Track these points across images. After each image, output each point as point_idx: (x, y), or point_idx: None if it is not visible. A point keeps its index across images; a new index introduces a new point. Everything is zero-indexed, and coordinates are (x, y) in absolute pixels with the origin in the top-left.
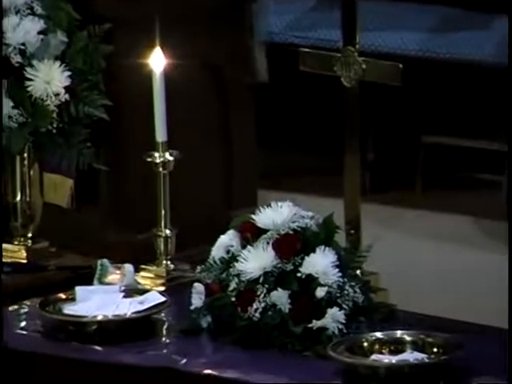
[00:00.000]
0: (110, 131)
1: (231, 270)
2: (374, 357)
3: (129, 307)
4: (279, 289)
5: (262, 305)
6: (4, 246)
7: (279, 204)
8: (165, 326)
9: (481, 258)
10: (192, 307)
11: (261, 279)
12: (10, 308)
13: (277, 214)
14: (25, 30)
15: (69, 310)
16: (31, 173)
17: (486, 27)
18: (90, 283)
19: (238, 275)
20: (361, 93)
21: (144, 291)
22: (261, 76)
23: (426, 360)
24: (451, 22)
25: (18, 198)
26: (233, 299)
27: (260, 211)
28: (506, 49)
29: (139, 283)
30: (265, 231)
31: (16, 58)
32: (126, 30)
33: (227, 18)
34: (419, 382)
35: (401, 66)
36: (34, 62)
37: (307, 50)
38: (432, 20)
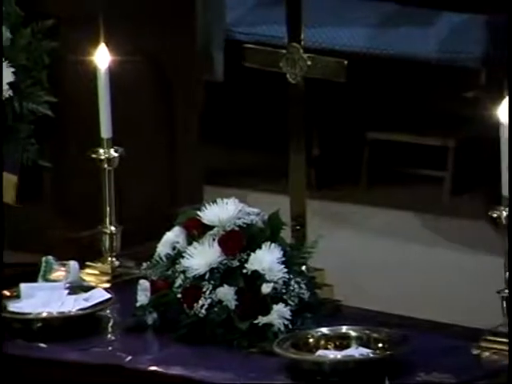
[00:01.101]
0: (55, 128)
1: (177, 266)
2: (319, 352)
3: (74, 304)
4: (225, 285)
5: (208, 301)
6: None
7: (225, 200)
8: (110, 323)
9: (424, 252)
10: (137, 304)
11: (207, 276)
12: None
13: (222, 210)
14: None
15: (13, 307)
16: None
17: (429, 23)
18: (34, 280)
19: (183, 272)
20: (306, 89)
21: (89, 288)
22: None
23: (371, 355)
24: (395, 18)
25: None
26: (178, 296)
27: (206, 208)
28: (449, 45)
29: (84, 280)
30: (210, 228)
31: None
32: (71, 27)
33: (173, 14)
34: (364, 377)
35: (346, 62)
36: None
37: (252, 46)
38: (376, 17)
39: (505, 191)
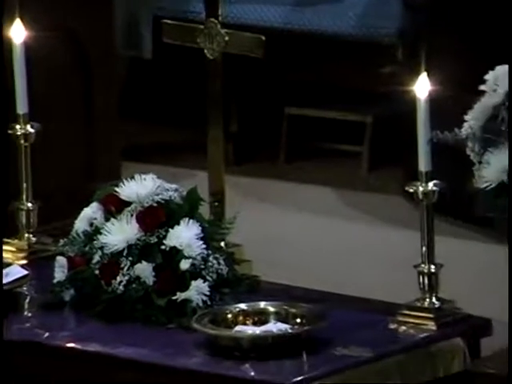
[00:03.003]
0: None
1: (95, 242)
2: (237, 328)
3: None
4: (143, 261)
5: (126, 277)
6: None
7: (143, 176)
8: (27, 300)
9: (343, 227)
10: (55, 281)
11: (124, 252)
12: None
13: (140, 186)
14: None
15: None
16: None
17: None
18: None
19: (101, 248)
20: (224, 65)
21: (6, 265)
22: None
23: (289, 330)
24: None
25: None
26: (96, 272)
27: (124, 184)
28: (366, 20)
29: None
30: (128, 204)
31: None
32: None
33: None
34: (282, 352)
35: (263, 38)
36: None
37: (169, 21)
38: None
39: (421, 166)
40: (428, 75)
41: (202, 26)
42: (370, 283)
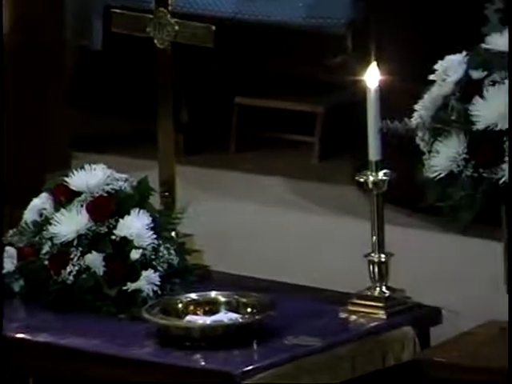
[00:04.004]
0: None
1: (44, 233)
2: (188, 318)
3: None
4: (93, 252)
5: (76, 268)
6: None
7: (93, 166)
8: None
9: (294, 217)
10: (4, 271)
11: (75, 242)
12: None
13: (91, 176)
14: None
15: None
16: None
17: None
18: None
19: (51, 238)
20: (174, 54)
21: None
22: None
23: (240, 320)
24: None
25: None
26: (46, 263)
27: (74, 174)
28: (316, 10)
29: None
30: (78, 194)
31: None
32: None
33: None
34: (233, 342)
35: (213, 27)
36: None
37: (119, 11)
38: None
39: (371, 156)
40: (378, 65)
41: (151, 16)
42: (322, 272)
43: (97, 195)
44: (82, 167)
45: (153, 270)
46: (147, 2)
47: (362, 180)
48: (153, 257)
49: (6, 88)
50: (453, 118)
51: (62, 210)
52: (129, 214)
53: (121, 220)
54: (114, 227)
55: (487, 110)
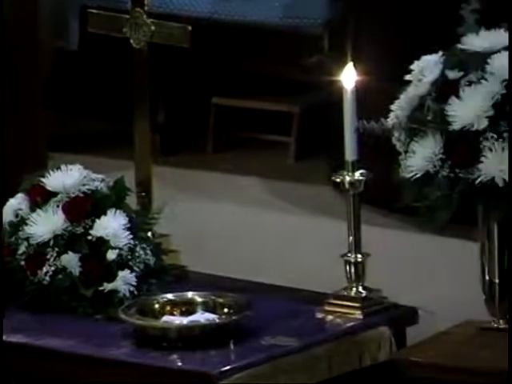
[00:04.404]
0: None
1: (20, 233)
2: (165, 318)
3: None
4: (70, 252)
5: (52, 268)
6: None
7: (69, 167)
8: None
9: (270, 217)
10: None
11: (51, 242)
12: None
13: (67, 177)
14: None
15: None
16: None
17: None
18: None
19: (27, 239)
20: (150, 55)
21: None
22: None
23: (217, 320)
24: None
25: None
26: (22, 263)
27: (50, 174)
28: (292, 11)
29: None
30: (55, 194)
31: None
32: None
33: None
34: (210, 342)
35: (190, 27)
36: None
37: (95, 11)
38: None
39: (348, 156)
40: (354, 65)
41: (127, 16)
42: (298, 272)
43: (73, 195)
44: (59, 168)
45: (129, 271)
46: (123, 2)
47: (338, 180)
48: (129, 257)
49: None
50: (429, 118)
51: (38, 210)
52: (105, 214)
53: (97, 220)
54: (91, 227)
55: (463, 111)
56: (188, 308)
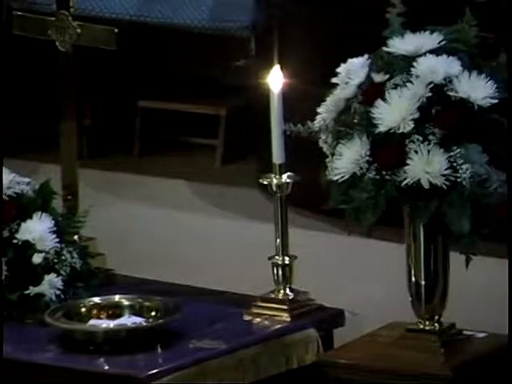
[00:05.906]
0: None
1: None
2: (91, 322)
3: None
4: None
5: None
6: None
7: None
8: None
9: (197, 220)
10: None
11: None
12: None
13: None
14: None
15: None
16: None
17: None
18: None
19: None
20: (76, 57)
21: None
22: None
23: (144, 324)
24: None
25: None
26: None
27: None
28: (219, 13)
29: None
30: None
31: None
32: None
33: None
34: (137, 345)
35: (116, 30)
36: None
37: (20, 13)
38: None
39: (275, 159)
40: (281, 68)
41: (53, 18)
42: (226, 275)
43: None
44: None
45: (55, 274)
46: (49, 4)
47: (265, 183)
48: (55, 260)
49: None
50: (355, 120)
51: None
52: (31, 217)
53: (23, 224)
54: (16, 231)
55: (389, 113)
56: (115, 311)
